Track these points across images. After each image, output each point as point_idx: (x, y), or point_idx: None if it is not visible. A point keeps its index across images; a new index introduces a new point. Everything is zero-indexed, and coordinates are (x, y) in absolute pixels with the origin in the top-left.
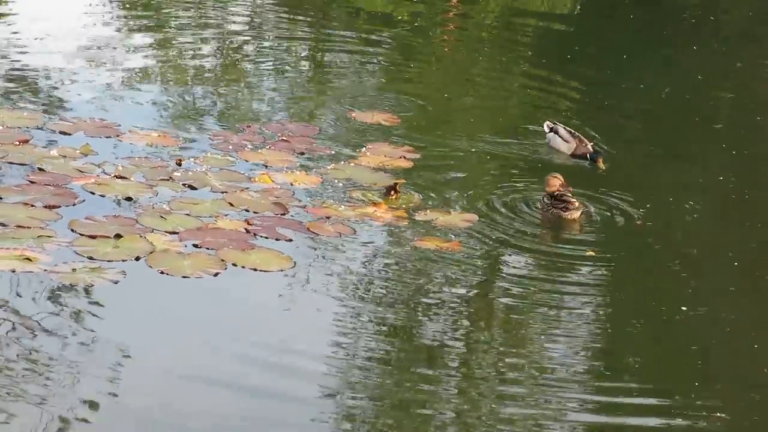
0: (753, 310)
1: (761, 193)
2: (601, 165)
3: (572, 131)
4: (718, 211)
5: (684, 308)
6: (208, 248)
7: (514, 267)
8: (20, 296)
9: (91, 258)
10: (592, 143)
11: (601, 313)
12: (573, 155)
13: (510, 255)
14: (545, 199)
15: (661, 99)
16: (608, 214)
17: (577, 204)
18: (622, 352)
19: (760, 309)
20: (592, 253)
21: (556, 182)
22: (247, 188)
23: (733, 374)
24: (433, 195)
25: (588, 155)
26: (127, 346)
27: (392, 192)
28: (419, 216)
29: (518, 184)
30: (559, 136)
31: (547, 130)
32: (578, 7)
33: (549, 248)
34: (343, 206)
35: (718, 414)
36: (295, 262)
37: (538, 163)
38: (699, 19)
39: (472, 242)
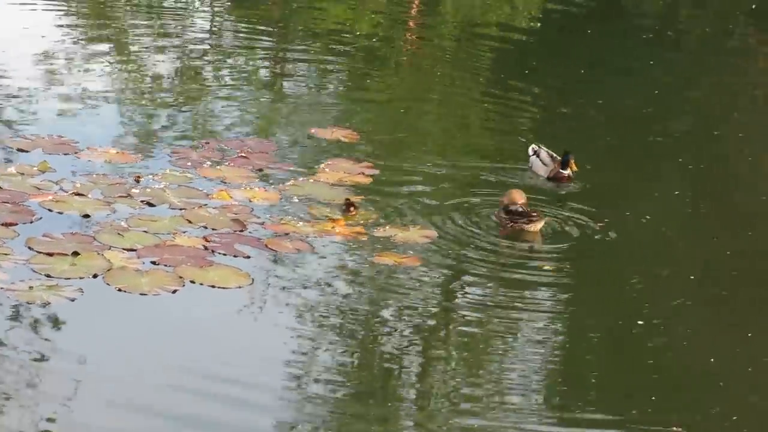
0: (709, 324)
1: (717, 208)
2: (574, 167)
3: (554, 155)
4: (675, 225)
5: (640, 322)
6: (166, 265)
7: (473, 283)
8: None
9: (48, 275)
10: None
11: (558, 327)
12: (549, 178)
13: (469, 270)
14: (502, 214)
15: (619, 113)
16: (567, 227)
17: (536, 215)
18: (579, 366)
19: (717, 322)
20: (549, 267)
21: (515, 197)
22: (206, 205)
23: (689, 388)
24: (392, 211)
25: (562, 160)
26: (85, 365)
27: (351, 208)
28: (378, 232)
29: (477, 200)
30: (540, 159)
31: (531, 153)
32: (537, 20)
33: (508, 263)
34: (301, 223)
35: (675, 428)
36: (253, 279)
37: (498, 178)
38: (657, 33)
39: (431, 258)
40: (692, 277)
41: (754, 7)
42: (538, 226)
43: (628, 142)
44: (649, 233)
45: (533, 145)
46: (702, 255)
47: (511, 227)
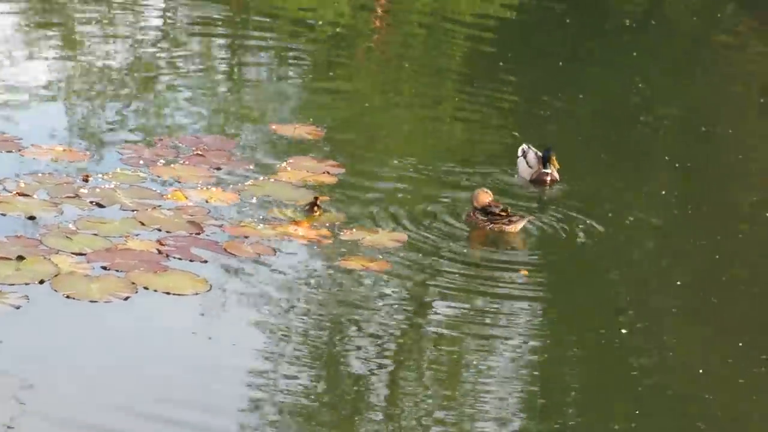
0: (698, 333)
1: (706, 208)
2: (555, 163)
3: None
4: (661, 227)
5: (624, 331)
6: (117, 270)
7: (446, 290)
8: None
9: None
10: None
11: (536, 337)
12: (532, 181)
13: (442, 277)
14: (479, 215)
15: (601, 108)
16: (545, 230)
17: (516, 217)
18: (558, 379)
19: (706, 331)
20: (526, 273)
21: (485, 197)
22: (160, 206)
23: (676, 401)
24: (359, 212)
25: (542, 157)
26: (30, 378)
27: (315, 208)
28: (345, 235)
29: (450, 200)
30: (526, 161)
31: (520, 154)
32: (513, 9)
33: (482, 269)
34: (262, 225)
35: None
36: (210, 285)
37: (473, 177)
38: (640, 23)
39: (401, 263)
40: (679, 283)
41: None
42: (518, 226)
43: (612, 138)
44: (633, 235)
45: (523, 146)
46: (690, 259)
47: (490, 229)
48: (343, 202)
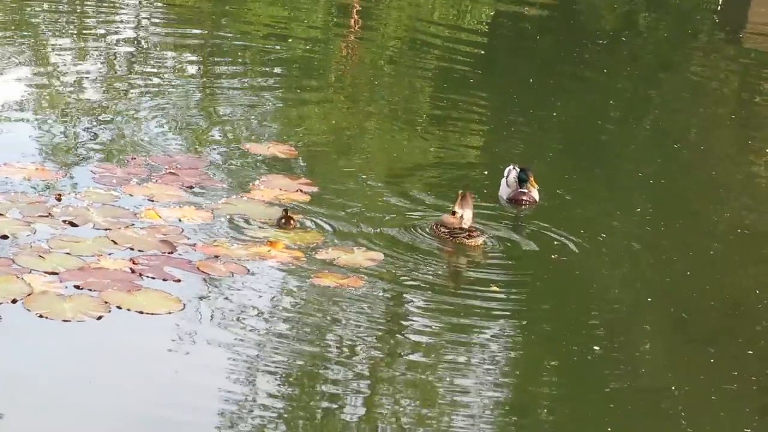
0: (670, 349)
1: (678, 225)
2: (534, 183)
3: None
4: (634, 244)
5: (596, 348)
6: (90, 290)
7: (419, 309)
8: None
9: None
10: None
11: (509, 354)
12: (509, 200)
13: (417, 294)
14: (442, 228)
15: (573, 125)
16: (519, 248)
17: (476, 232)
18: (532, 396)
19: (677, 348)
20: (497, 289)
21: (449, 220)
22: (132, 225)
23: (648, 417)
24: (333, 231)
25: (517, 177)
26: (1, 398)
27: (291, 221)
28: (319, 255)
29: (422, 218)
30: (506, 181)
31: (505, 174)
32: (486, 25)
33: (456, 287)
34: (235, 244)
35: None
36: (184, 304)
37: (446, 194)
38: (612, 40)
39: (376, 282)
40: (650, 299)
41: (716, 15)
42: (478, 241)
43: (584, 155)
44: (607, 252)
45: (509, 166)
46: (662, 275)
47: (452, 241)
48: (316, 221)
